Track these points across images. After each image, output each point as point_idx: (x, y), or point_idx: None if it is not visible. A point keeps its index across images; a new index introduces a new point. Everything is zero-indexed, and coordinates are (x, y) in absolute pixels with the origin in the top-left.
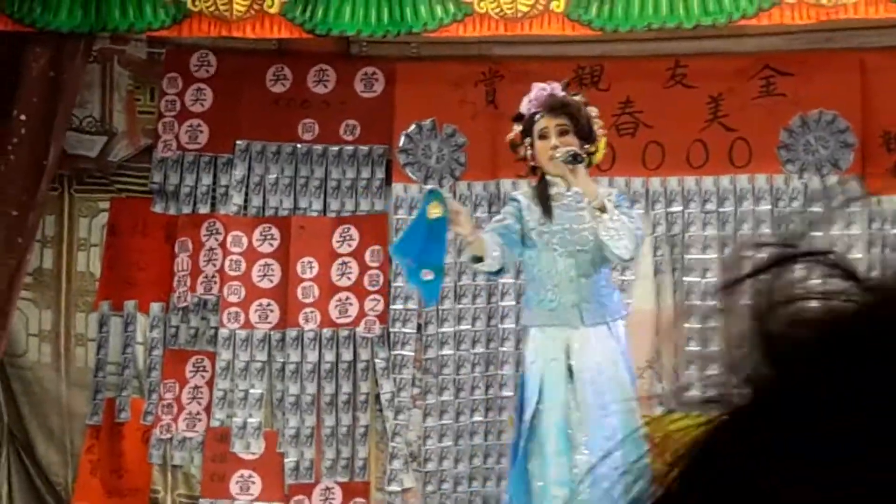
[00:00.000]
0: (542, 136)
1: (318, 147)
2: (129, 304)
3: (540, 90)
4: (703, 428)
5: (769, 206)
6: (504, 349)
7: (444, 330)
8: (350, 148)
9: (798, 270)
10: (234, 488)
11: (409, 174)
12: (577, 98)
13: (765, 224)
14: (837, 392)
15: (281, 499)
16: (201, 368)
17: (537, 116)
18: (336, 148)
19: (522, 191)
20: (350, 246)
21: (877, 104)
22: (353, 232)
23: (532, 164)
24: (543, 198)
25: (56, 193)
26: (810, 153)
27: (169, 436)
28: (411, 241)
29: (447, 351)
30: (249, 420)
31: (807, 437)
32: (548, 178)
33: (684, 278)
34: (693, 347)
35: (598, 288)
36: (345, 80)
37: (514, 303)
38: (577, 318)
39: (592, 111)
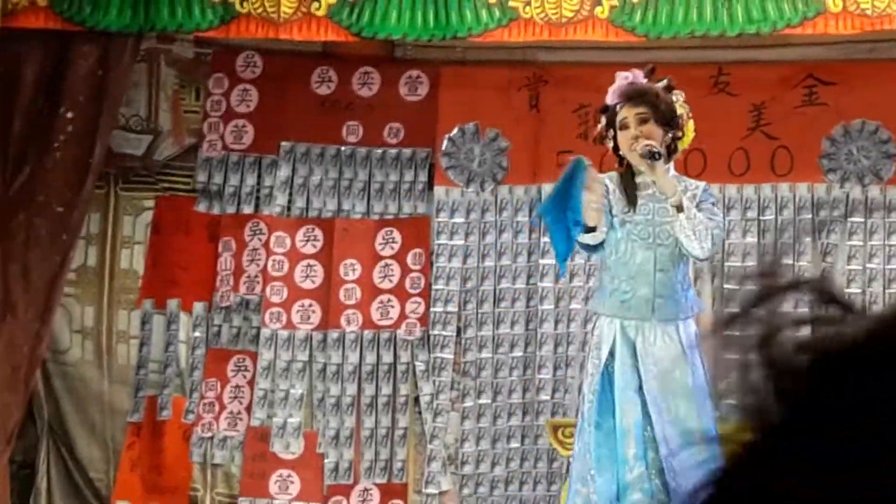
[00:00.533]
0: (623, 127)
1: (362, 149)
2: (172, 303)
3: (622, 79)
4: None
5: (810, 215)
6: (542, 353)
7: (483, 333)
8: (393, 151)
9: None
10: (273, 488)
11: (452, 178)
12: (662, 84)
13: (805, 233)
14: (845, 405)
15: (319, 499)
16: (243, 368)
17: (618, 107)
18: (380, 150)
19: (609, 174)
20: (392, 248)
21: None
22: (396, 235)
23: (617, 157)
24: (629, 187)
25: (102, 191)
26: (852, 163)
27: (210, 434)
28: (556, 201)
29: (486, 354)
30: (290, 420)
31: (819, 444)
32: (634, 167)
33: (725, 286)
34: (733, 355)
35: (674, 283)
36: (389, 83)
37: (552, 307)
38: (649, 311)
39: (678, 96)
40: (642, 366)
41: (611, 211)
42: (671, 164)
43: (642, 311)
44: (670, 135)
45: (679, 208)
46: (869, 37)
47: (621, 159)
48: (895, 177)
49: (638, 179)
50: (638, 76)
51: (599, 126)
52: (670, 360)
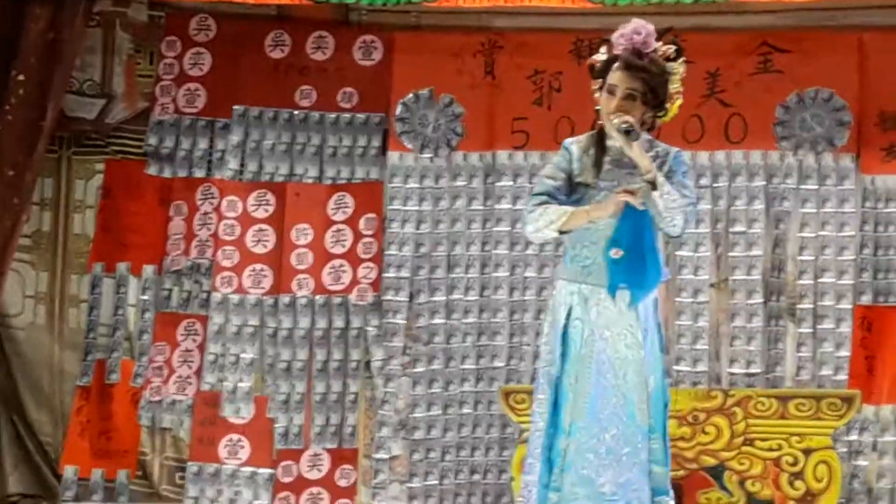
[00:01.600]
0: (610, 91)
1: (316, 114)
2: (122, 266)
3: (634, 31)
4: None
5: (763, 182)
6: (496, 320)
7: (435, 299)
8: (347, 115)
9: None
10: (222, 452)
11: (406, 143)
12: (669, 50)
13: (759, 200)
14: None
15: (269, 464)
16: (193, 332)
17: (615, 65)
18: (333, 115)
19: (576, 139)
20: (345, 213)
21: (874, 84)
22: (349, 199)
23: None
24: (598, 149)
25: (54, 156)
26: (806, 130)
27: (158, 398)
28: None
29: (438, 320)
30: (240, 385)
31: None
32: (606, 131)
33: (677, 252)
34: (684, 321)
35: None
36: (343, 47)
37: (507, 274)
38: (606, 278)
39: (680, 67)
40: (596, 330)
41: (572, 176)
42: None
43: (601, 278)
44: (650, 112)
45: (653, 185)
46: (823, 4)
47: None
48: (849, 144)
49: (608, 143)
50: (650, 35)
51: (597, 58)
52: (624, 327)
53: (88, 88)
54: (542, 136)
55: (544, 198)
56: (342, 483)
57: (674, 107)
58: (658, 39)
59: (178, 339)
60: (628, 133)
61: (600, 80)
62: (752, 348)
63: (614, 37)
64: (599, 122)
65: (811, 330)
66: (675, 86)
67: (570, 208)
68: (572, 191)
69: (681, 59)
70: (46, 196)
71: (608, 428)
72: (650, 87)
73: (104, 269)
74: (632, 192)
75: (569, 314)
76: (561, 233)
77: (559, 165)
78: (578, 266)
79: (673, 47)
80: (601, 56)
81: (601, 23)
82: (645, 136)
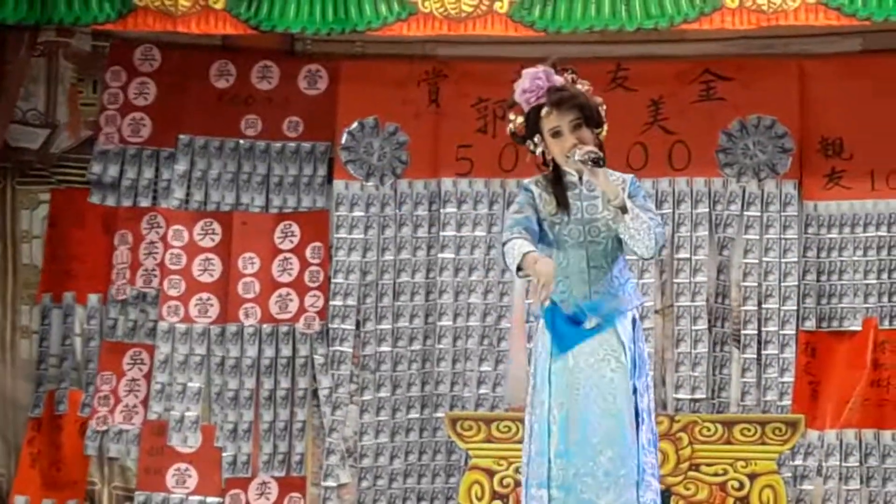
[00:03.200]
0: (556, 134)
1: (261, 143)
2: (68, 296)
3: (535, 79)
4: None
5: (707, 209)
6: (441, 346)
7: (382, 327)
8: (293, 144)
9: None
10: (170, 481)
11: (352, 171)
12: (569, 76)
13: (703, 226)
14: None
15: (217, 493)
16: (139, 361)
17: (544, 112)
18: (279, 144)
19: (533, 179)
20: (291, 242)
21: (815, 110)
22: (295, 228)
23: (542, 159)
24: (558, 189)
25: None
26: (748, 157)
27: (105, 428)
28: None
29: (385, 348)
30: (187, 414)
31: None
32: (561, 170)
33: None
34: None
35: (609, 279)
36: (288, 76)
37: (452, 300)
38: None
39: (584, 85)
40: (580, 359)
41: (539, 216)
42: None
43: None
44: (596, 132)
45: (623, 209)
46: (765, 32)
47: (545, 162)
48: (791, 171)
49: (566, 180)
50: (550, 74)
51: (514, 124)
52: (607, 352)
53: (32, 118)
54: (487, 163)
55: (515, 230)
56: None
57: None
58: (556, 71)
59: (124, 369)
60: (596, 162)
61: (534, 136)
62: (697, 374)
63: (518, 97)
64: (542, 165)
65: (755, 355)
66: (598, 99)
67: (525, 249)
68: (540, 227)
69: (581, 80)
70: None
71: (603, 451)
72: (586, 110)
73: (52, 298)
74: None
75: (551, 348)
76: (519, 270)
77: (524, 202)
78: (556, 300)
79: (570, 73)
80: (518, 119)
81: (545, 51)
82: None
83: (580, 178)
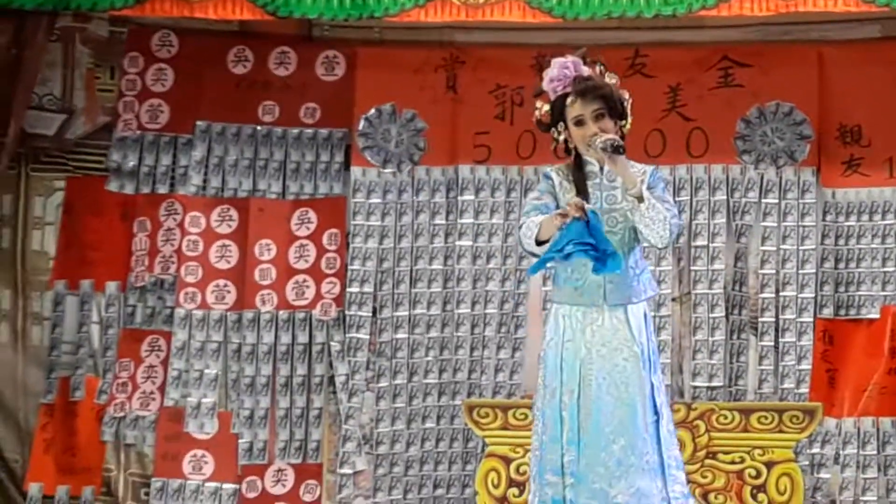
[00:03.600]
0: (579, 123)
1: (278, 129)
2: (85, 284)
3: (563, 69)
4: None
5: (725, 196)
6: (459, 334)
7: (399, 314)
8: (310, 131)
9: None
10: (186, 468)
11: (369, 158)
12: (597, 69)
13: (720, 214)
14: None
15: (234, 479)
16: (157, 348)
17: (569, 101)
18: (296, 131)
19: (555, 168)
20: (308, 229)
21: (834, 97)
22: (312, 215)
23: (565, 147)
24: (579, 178)
25: (13, 172)
26: (766, 144)
27: (122, 414)
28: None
29: (401, 335)
30: (204, 400)
31: None
32: (583, 158)
33: None
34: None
35: (625, 268)
36: (306, 63)
37: (469, 288)
38: (600, 297)
39: (613, 78)
40: (592, 349)
41: (558, 203)
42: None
43: (594, 297)
44: (620, 124)
45: (640, 199)
46: (783, 19)
47: (568, 150)
48: (809, 158)
49: (586, 169)
50: (578, 64)
51: (540, 111)
52: (620, 342)
53: (48, 103)
54: (505, 150)
55: (532, 214)
56: (307, 498)
57: (630, 114)
58: (584, 64)
59: (142, 355)
60: (616, 149)
61: (558, 124)
62: (714, 362)
63: (546, 85)
64: (564, 153)
65: (773, 343)
66: (624, 93)
67: (541, 218)
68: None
69: (609, 73)
70: (5, 213)
71: (615, 440)
72: (610, 100)
73: (67, 286)
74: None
75: (563, 336)
76: (539, 244)
77: (544, 190)
78: (570, 287)
79: (598, 65)
80: (544, 107)
81: (562, 37)
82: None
83: (601, 168)
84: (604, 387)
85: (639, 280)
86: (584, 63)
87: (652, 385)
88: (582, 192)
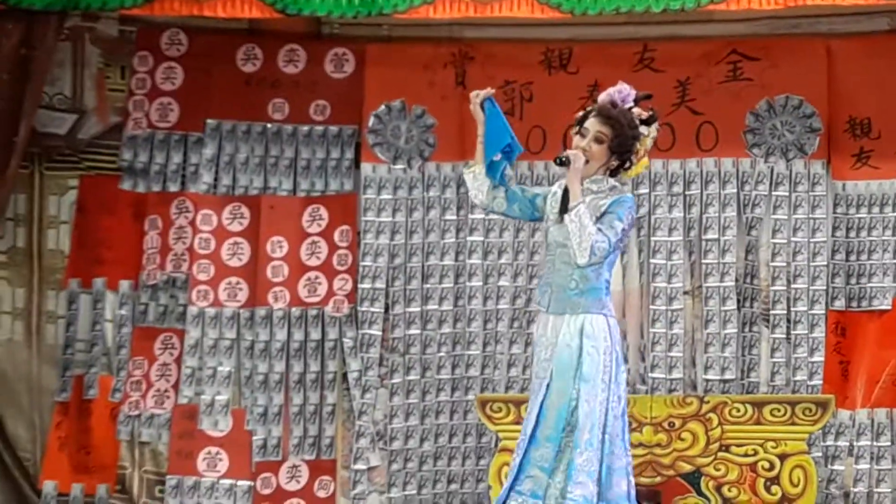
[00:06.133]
0: (582, 134)
1: (288, 127)
2: (98, 282)
3: (617, 91)
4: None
5: (735, 190)
6: (471, 329)
7: (411, 309)
8: (320, 128)
9: None
10: (201, 465)
11: (379, 154)
12: (642, 113)
13: (731, 207)
14: None
15: (248, 476)
16: (170, 346)
17: (591, 113)
18: (306, 128)
19: (562, 182)
20: (319, 226)
21: (843, 90)
22: (323, 212)
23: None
24: (565, 195)
25: (26, 171)
26: (776, 137)
27: (137, 412)
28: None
29: (414, 330)
30: (217, 398)
31: None
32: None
33: (651, 260)
34: (659, 328)
35: (567, 281)
36: (315, 60)
37: (481, 283)
38: (546, 304)
39: (652, 130)
40: (538, 352)
41: (546, 208)
42: (612, 179)
43: (547, 303)
44: (615, 161)
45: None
46: (792, 12)
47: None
48: (819, 150)
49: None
50: (629, 95)
51: (580, 114)
52: (564, 345)
53: (59, 102)
54: None
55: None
56: (321, 494)
57: (639, 165)
58: (636, 103)
59: (155, 353)
60: (557, 161)
61: (574, 128)
62: (726, 354)
63: (600, 96)
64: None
65: (785, 335)
66: (643, 146)
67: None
68: (541, 216)
69: (654, 125)
70: (19, 212)
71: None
72: (617, 135)
73: (80, 284)
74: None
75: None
76: (470, 169)
77: (540, 189)
78: (540, 292)
79: (648, 112)
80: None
81: (571, 33)
82: (611, 180)
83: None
84: (541, 388)
85: (582, 295)
86: (636, 101)
87: (578, 392)
88: (565, 200)
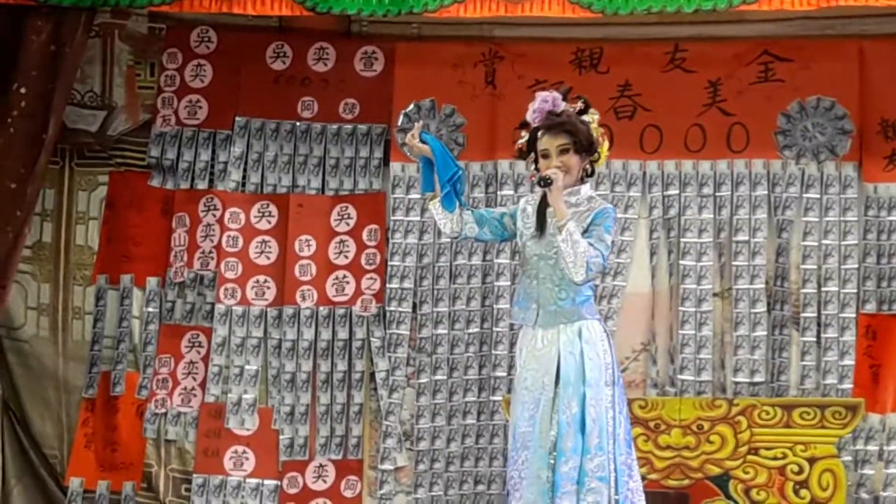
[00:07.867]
0: (544, 156)
1: (318, 125)
2: (126, 278)
3: (542, 102)
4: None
5: (766, 191)
6: (498, 329)
7: (439, 309)
8: (349, 126)
9: None
10: (227, 464)
11: (407, 154)
12: (577, 105)
13: (761, 209)
14: None
15: (274, 475)
16: (197, 344)
17: (539, 134)
18: (335, 126)
19: (528, 197)
20: (348, 224)
21: (875, 92)
22: (351, 211)
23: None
24: (541, 207)
25: (56, 167)
26: (808, 139)
27: (163, 410)
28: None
29: (442, 330)
30: (244, 396)
31: None
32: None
33: (680, 261)
34: (688, 330)
35: (555, 294)
36: (345, 58)
37: (508, 283)
38: (534, 318)
39: (593, 116)
40: (526, 364)
41: (515, 226)
42: (586, 185)
43: (534, 318)
44: (588, 160)
45: (560, 230)
46: (824, 13)
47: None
48: (851, 153)
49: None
50: (556, 99)
51: (520, 142)
52: (568, 354)
53: (89, 100)
54: None
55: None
56: (347, 494)
57: (602, 149)
58: (566, 100)
59: (182, 351)
60: (541, 183)
61: (531, 154)
62: (756, 357)
63: (528, 116)
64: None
65: (815, 339)
66: (597, 132)
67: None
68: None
69: (591, 111)
70: (48, 207)
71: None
72: (576, 137)
73: (108, 280)
74: None
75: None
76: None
77: (509, 210)
78: (521, 308)
79: (580, 104)
80: (524, 138)
81: (601, 33)
82: (584, 188)
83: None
84: (527, 401)
85: (574, 304)
86: (564, 99)
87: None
88: (540, 221)
